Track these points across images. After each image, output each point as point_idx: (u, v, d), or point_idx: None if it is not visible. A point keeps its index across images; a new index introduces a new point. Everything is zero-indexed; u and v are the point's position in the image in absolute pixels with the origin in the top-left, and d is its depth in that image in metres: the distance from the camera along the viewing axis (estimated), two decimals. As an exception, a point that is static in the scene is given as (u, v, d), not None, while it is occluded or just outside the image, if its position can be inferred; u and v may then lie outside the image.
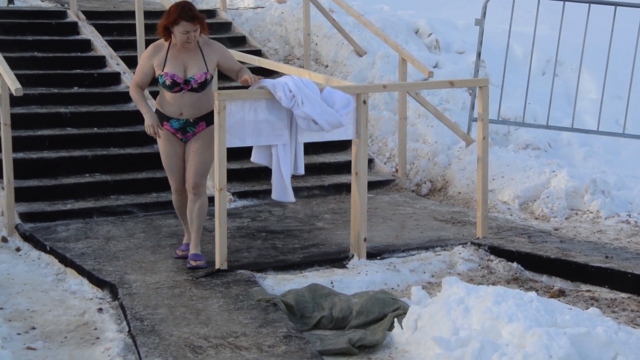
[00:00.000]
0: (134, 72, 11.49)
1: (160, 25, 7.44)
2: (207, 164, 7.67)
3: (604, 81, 11.02)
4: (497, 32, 11.40)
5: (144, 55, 7.66)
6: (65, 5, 13.50)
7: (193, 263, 7.60)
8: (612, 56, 10.92)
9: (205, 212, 7.80)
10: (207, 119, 7.57)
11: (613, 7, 10.86)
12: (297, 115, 7.48)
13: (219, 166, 7.44)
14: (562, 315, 5.99)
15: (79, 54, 12.30)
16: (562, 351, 5.60)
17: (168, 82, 7.39)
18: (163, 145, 7.64)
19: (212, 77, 7.66)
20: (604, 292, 7.51)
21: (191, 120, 7.55)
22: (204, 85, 7.51)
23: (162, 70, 7.42)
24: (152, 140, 10.52)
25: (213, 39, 11.22)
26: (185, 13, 7.23)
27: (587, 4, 10.86)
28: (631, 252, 8.20)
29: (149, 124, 7.48)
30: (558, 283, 7.72)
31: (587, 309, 6.36)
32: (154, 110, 7.65)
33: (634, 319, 6.84)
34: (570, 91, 11.74)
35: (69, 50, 12.35)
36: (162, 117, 7.55)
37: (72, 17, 13.08)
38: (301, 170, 7.92)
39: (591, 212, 9.65)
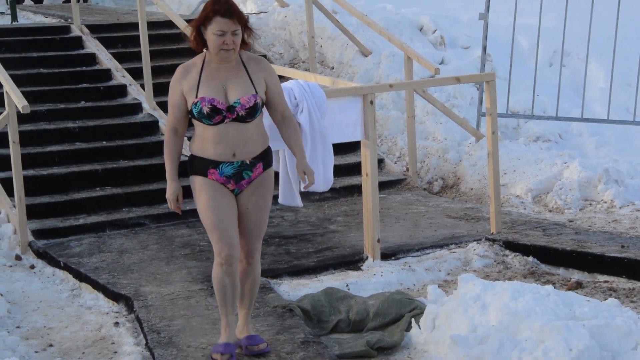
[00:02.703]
0: (140, 85, 11.59)
1: (192, 29, 5.60)
2: (265, 223, 5.90)
3: (612, 69, 11.01)
4: (501, 26, 11.39)
5: (171, 84, 5.67)
6: (69, 20, 13.54)
7: (255, 349, 5.88)
8: (619, 43, 10.90)
9: (259, 284, 6.13)
10: (264, 158, 5.74)
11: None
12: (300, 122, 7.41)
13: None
14: (581, 307, 5.97)
15: (84, 68, 12.29)
16: (582, 344, 5.59)
17: (206, 110, 5.45)
18: (209, 199, 5.61)
19: (263, 103, 5.68)
20: (621, 282, 7.49)
21: (247, 163, 5.63)
22: (253, 112, 5.55)
23: (196, 97, 5.49)
24: (162, 152, 10.54)
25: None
26: (220, 6, 5.40)
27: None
28: (650, 242, 8.17)
29: (167, 196, 5.78)
30: (575, 275, 7.70)
31: (605, 299, 6.34)
32: (189, 157, 5.79)
33: (658, 310, 6.81)
34: (578, 81, 11.72)
35: (74, 64, 12.35)
36: (206, 164, 5.61)
37: (76, 31, 13.09)
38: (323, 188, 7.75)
39: (605, 202, 9.64)
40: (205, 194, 5.62)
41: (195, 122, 5.62)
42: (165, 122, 10.88)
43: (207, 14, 5.45)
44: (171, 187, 5.75)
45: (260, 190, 5.76)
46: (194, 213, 9.56)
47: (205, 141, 5.60)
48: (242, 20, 5.49)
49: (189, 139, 5.93)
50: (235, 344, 5.81)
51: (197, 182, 5.66)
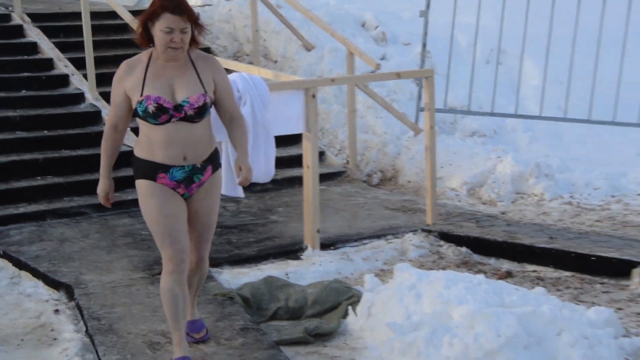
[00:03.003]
0: (83, 75, 11.55)
1: (138, 24, 5.20)
2: (214, 226, 5.64)
3: (546, 68, 11.17)
4: (441, 23, 11.51)
5: (114, 80, 5.30)
6: (10, 9, 13.39)
7: (196, 336, 5.86)
8: (552, 43, 11.07)
9: (205, 276, 5.94)
10: (213, 161, 5.44)
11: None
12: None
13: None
14: (510, 295, 6.12)
15: (25, 57, 12.21)
16: (510, 330, 5.72)
17: (151, 109, 5.08)
18: (159, 206, 5.25)
19: (212, 103, 5.36)
20: (549, 272, 7.66)
21: (198, 166, 5.31)
22: (202, 112, 5.21)
23: (141, 95, 5.12)
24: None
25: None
26: (170, 2, 5.01)
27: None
28: (574, 232, 8.36)
29: (98, 192, 5.60)
30: (505, 265, 7.87)
31: (533, 288, 6.51)
32: (133, 159, 5.44)
33: (577, 296, 7.02)
34: (513, 78, 11.88)
35: (15, 53, 12.25)
36: (155, 168, 5.25)
37: (17, 20, 13.00)
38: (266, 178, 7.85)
39: (536, 195, 9.81)
40: (154, 199, 5.26)
41: (140, 122, 5.24)
42: (108, 112, 10.96)
43: (155, 10, 5.05)
44: (103, 184, 5.54)
45: (210, 194, 5.46)
46: (135, 203, 9.64)
47: (154, 144, 5.22)
48: (192, 17, 5.13)
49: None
50: (190, 358, 5.42)
51: (145, 187, 5.30)
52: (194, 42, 5.26)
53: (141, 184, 5.32)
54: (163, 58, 5.19)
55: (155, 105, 5.10)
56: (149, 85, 5.14)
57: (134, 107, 5.22)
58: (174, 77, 5.19)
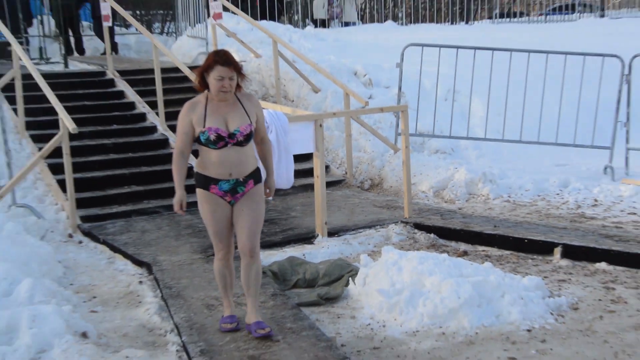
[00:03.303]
0: (155, 113, 11.62)
1: (197, 75, 5.29)
2: (260, 224, 5.50)
3: (488, 103, 11.16)
4: (412, 72, 11.48)
5: (180, 116, 5.32)
6: (105, 67, 13.48)
7: (262, 332, 5.40)
8: (491, 85, 11.09)
9: (261, 275, 5.70)
10: (255, 176, 5.40)
11: (491, 51, 11.04)
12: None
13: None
14: (466, 269, 6.19)
15: (115, 101, 12.28)
16: (467, 294, 5.77)
17: (212, 137, 5.15)
18: (210, 210, 5.37)
19: (255, 130, 5.40)
20: (494, 251, 7.67)
21: (241, 180, 5.31)
22: (249, 138, 5.29)
23: (204, 126, 5.18)
24: (171, 161, 10.58)
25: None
26: (220, 57, 5.14)
27: (473, 50, 11.02)
28: (511, 221, 8.33)
29: (175, 201, 5.38)
30: (462, 246, 7.84)
31: (482, 263, 6.50)
32: (195, 173, 5.44)
33: (515, 268, 7.01)
34: (464, 111, 11.84)
35: (108, 98, 12.33)
36: (208, 181, 5.31)
37: (109, 75, 13.09)
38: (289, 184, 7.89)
39: (483, 195, 9.77)
40: (207, 205, 5.36)
41: (201, 147, 5.29)
42: (173, 140, 10.98)
43: (210, 63, 5.17)
44: (178, 196, 5.36)
45: (252, 199, 5.38)
46: (194, 204, 9.63)
47: (209, 163, 5.28)
48: (237, 68, 5.21)
49: (196, 156, 5.54)
50: (236, 316, 5.61)
51: (201, 195, 5.37)
52: (238, 86, 5.29)
53: (199, 192, 5.37)
54: (216, 99, 5.23)
55: (216, 135, 5.16)
56: (209, 119, 5.18)
57: (196, 136, 5.24)
58: (226, 112, 5.23)
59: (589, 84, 10.71)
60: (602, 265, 6.97)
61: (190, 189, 5.34)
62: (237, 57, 14.49)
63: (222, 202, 5.35)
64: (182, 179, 5.37)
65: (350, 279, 6.55)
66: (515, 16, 24.42)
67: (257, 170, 5.43)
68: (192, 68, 12.35)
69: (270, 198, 5.86)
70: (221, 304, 6.04)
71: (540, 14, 23.76)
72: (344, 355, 5.14)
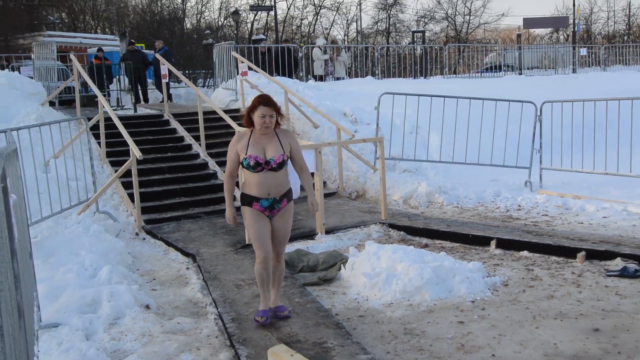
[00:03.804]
0: (199, 144, 11.59)
1: (245, 114, 5.01)
2: (288, 236, 5.22)
3: (441, 135, 11.16)
4: (386, 113, 11.46)
5: (230, 145, 5.07)
6: (162, 111, 13.43)
7: (282, 314, 5.18)
8: (444, 122, 11.05)
9: (284, 274, 5.47)
10: (288, 195, 5.08)
11: (443, 98, 11.02)
12: None
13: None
14: (427, 257, 6.09)
15: (169, 135, 12.22)
16: (428, 275, 5.70)
17: (252, 163, 4.87)
18: (254, 222, 4.97)
19: (288, 159, 5.05)
20: (447, 244, 7.57)
21: (277, 199, 4.98)
22: (281, 165, 4.95)
23: (246, 154, 4.91)
24: (211, 178, 10.59)
25: (240, 125, 11.35)
26: (263, 99, 4.92)
27: (430, 97, 11.00)
28: (460, 222, 8.24)
29: (227, 216, 5.12)
30: (424, 240, 7.74)
31: (439, 253, 6.41)
32: (241, 194, 5.10)
33: (463, 256, 6.91)
34: (424, 141, 11.83)
35: (164, 134, 12.28)
36: (251, 199, 4.97)
37: (166, 117, 13.04)
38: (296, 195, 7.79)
39: (439, 203, 9.69)
40: (251, 218, 4.96)
41: (244, 170, 4.99)
42: (212, 164, 10.95)
43: (255, 104, 4.92)
44: (229, 211, 5.07)
45: (284, 216, 5.05)
46: (223, 212, 9.55)
47: (251, 184, 4.95)
48: (276, 108, 4.94)
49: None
50: (269, 310, 5.16)
51: (247, 210, 4.99)
52: (277, 124, 4.98)
53: (244, 209, 5.01)
54: (258, 133, 4.94)
55: (254, 161, 4.87)
56: (250, 149, 4.90)
57: (240, 161, 4.96)
58: (265, 144, 4.93)
59: (513, 121, 10.75)
60: (524, 253, 6.91)
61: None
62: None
63: (262, 215, 4.98)
64: (231, 198, 5.07)
65: (342, 265, 6.48)
66: (459, 73, 24.62)
67: (290, 190, 5.10)
68: (225, 111, 12.36)
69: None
70: (247, 284, 5.98)
71: (477, 72, 23.91)
72: (338, 321, 5.08)
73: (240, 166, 5.00)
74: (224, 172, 10.52)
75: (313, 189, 5.24)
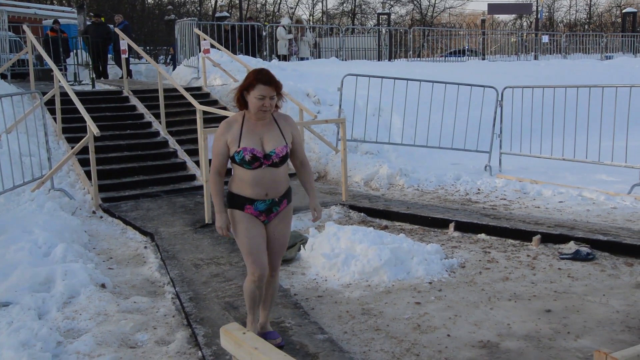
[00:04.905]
0: (159, 122, 11.45)
1: (236, 92, 3.95)
2: (286, 246, 4.19)
3: (404, 118, 11.21)
4: (349, 94, 11.47)
5: (216, 136, 3.97)
6: (121, 87, 13.18)
7: (274, 342, 4.17)
8: (407, 105, 11.12)
9: (277, 292, 4.60)
10: (288, 196, 4.09)
11: (406, 81, 11.06)
12: None
13: (205, 165, 7.35)
14: (386, 238, 6.13)
15: (129, 112, 12.01)
16: (386, 256, 5.75)
17: (248, 158, 3.84)
18: (246, 230, 3.93)
19: (292, 152, 4.08)
20: (406, 226, 7.65)
21: (276, 200, 3.99)
22: (284, 159, 3.95)
23: (239, 146, 3.86)
24: (171, 157, 10.48)
25: (204, 102, 11.24)
26: (262, 76, 3.85)
27: (393, 80, 11.06)
28: (420, 205, 8.32)
29: (219, 225, 3.95)
30: (384, 222, 7.81)
31: (398, 234, 6.46)
32: (228, 193, 4.03)
33: (422, 238, 6.98)
34: (387, 123, 11.88)
35: (124, 111, 12.07)
36: (243, 201, 3.93)
37: (125, 93, 12.81)
38: None
39: (400, 185, 9.77)
40: (242, 225, 3.94)
41: (235, 166, 3.94)
42: (172, 142, 10.82)
43: (251, 82, 3.86)
44: (222, 219, 3.95)
45: (283, 220, 4.08)
46: (185, 190, 9.43)
47: (244, 183, 3.91)
48: (278, 87, 3.91)
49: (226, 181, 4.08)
50: (258, 334, 4.12)
51: (236, 215, 3.97)
52: (275, 106, 3.96)
53: (233, 212, 3.99)
54: (254, 118, 3.92)
55: (251, 155, 3.85)
56: (244, 139, 3.87)
57: (231, 155, 3.92)
58: (262, 132, 3.92)
59: (475, 106, 10.85)
60: (482, 235, 7.03)
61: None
62: (219, 82, 14.59)
63: (257, 221, 3.99)
64: (222, 201, 4.00)
65: (301, 245, 6.48)
66: (423, 57, 24.75)
67: (290, 189, 4.13)
68: (187, 89, 12.22)
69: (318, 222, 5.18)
70: (206, 263, 5.94)
71: (441, 56, 24.08)
72: (296, 301, 5.11)
73: (230, 161, 3.98)
74: (184, 151, 10.67)
75: (316, 191, 4.36)
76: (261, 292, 4.14)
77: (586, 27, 46.78)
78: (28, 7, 26.41)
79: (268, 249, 4.07)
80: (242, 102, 3.94)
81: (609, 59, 24.42)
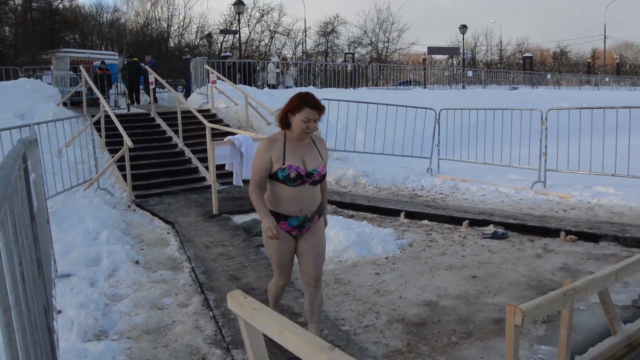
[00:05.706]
0: (177, 136, 11.28)
1: (280, 113, 3.23)
2: (324, 256, 3.38)
3: (365, 132, 11.20)
4: (325, 115, 11.46)
5: (259, 151, 3.22)
6: (149, 111, 12.98)
7: None
8: (367, 122, 11.12)
9: (323, 303, 3.70)
10: (320, 211, 3.36)
11: (367, 104, 11.07)
12: (241, 151, 7.30)
13: (212, 169, 7.29)
14: (353, 225, 6.12)
15: (155, 129, 11.84)
16: (353, 238, 5.73)
17: (293, 175, 3.13)
18: (278, 245, 3.26)
19: None
20: (368, 215, 7.62)
21: (309, 216, 3.27)
22: (323, 178, 3.29)
23: (283, 163, 3.15)
24: (187, 163, 10.35)
25: (212, 121, 11.14)
26: (309, 100, 3.15)
27: (357, 103, 11.05)
28: (378, 198, 8.32)
29: (268, 226, 3.09)
30: (351, 212, 7.78)
31: (362, 221, 6.47)
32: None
33: (380, 224, 6.93)
34: (352, 136, 11.86)
35: (151, 128, 11.89)
36: (278, 217, 3.22)
37: (152, 115, 12.60)
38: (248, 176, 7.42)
39: (363, 184, 9.74)
40: (275, 241, 3.23)
41: (273, 182, 3.20)
42: (188, 152, 10.66)
43: (297, 105, 3.15)
44: (269, 220, 3.11)
45: (316, 233, 3.33)
46: (192, 190, 9.33)
47: (281, 199, 3.20)
48: (322, 111, 3.20)
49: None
50: None
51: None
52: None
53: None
54: (296, 138, 3.22)
55: (296, 172, 3.16)
56: (289, 157, 3.17)
57: (273, 171, 3.18)
58: (304, 152, 3.22)
59: (419, 123, 10.89)
60: (425, 221, 7.04)
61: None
62: (224, 105, 14.49)
63: (288, 237, 3.29)
64: (265, 207, 3.18)
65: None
66: (380, 86, 24.91)
67: (321, 205, 3.38)
68: (199, 111, 12.11)
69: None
70: (214, 245, 5.87)
71: (393, 85, 24.24)
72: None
73: (269, 178, 3.23)
74: (197, 159, 10.54)
75: (327, 208, 3.82)
76: (282, 294, 3.59)
77: (498, 65, 48.35)
78: (83, 52, 27.64)
79: (306, 261, 3.33)
80: (284, 123, 3.23)
81: (515, 89, 25.08)
